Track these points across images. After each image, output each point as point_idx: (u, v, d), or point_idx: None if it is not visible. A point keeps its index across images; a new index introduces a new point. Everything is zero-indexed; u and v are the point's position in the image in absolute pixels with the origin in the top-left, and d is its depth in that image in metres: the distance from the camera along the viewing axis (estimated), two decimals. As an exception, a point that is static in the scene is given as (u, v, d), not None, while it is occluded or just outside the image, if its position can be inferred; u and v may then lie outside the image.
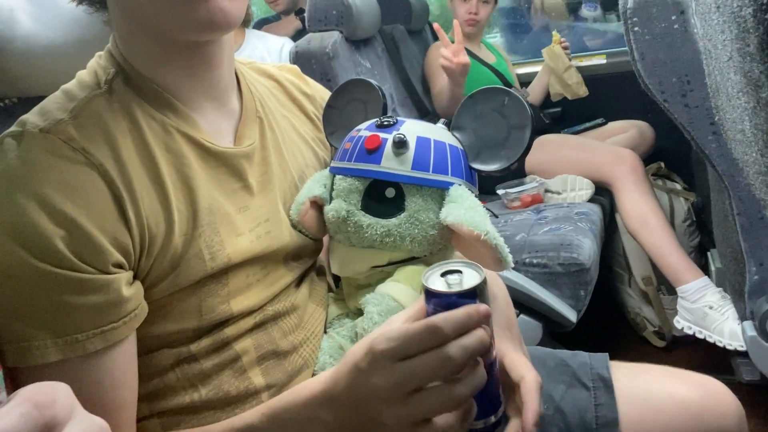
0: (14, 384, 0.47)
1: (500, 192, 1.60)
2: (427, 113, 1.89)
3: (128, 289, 0.50)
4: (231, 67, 0.63)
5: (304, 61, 1.51)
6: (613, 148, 1.65)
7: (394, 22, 2.04)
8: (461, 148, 0.61)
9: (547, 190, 1.58)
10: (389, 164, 0.58)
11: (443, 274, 0.46)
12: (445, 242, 0.59)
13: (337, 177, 0.61)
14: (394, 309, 0.51)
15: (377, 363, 0.43)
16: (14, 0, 0.68)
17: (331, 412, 0.47)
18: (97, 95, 0.54)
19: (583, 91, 2.03)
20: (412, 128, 0.61)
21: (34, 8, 0.69)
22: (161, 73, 0.57)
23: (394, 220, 0.58)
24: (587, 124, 2.08)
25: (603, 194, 1.58)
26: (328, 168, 0.65)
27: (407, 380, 0.42)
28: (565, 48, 2.05)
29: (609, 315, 1.73)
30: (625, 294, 1.67)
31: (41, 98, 0.63)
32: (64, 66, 0.69)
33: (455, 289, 0.44)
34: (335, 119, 0.69)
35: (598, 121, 2.07)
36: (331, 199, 0.62)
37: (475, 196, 0.59)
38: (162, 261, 0.53)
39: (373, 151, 0.59)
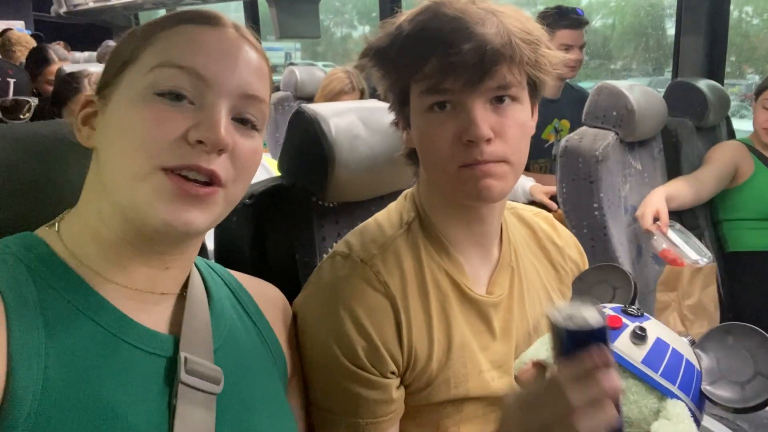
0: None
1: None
2: (695, 226, 1.81)
3: (397, 392, 0.71)
4: (499, 221, 0.79)
5: (570, 156, 1.60)
6: None
7: (684, 116, 1.98)
8: (699, 369, 0.65)
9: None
10: (622, 347, 0.65)
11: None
12: None
13: None
14: None
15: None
16: (356, 128, 0.94)
17: None
18: (399, 235, 0.75)
19: None
20: (655, 328, 0.67)
21: (368, 133, 0.94)
22: (444, 222, 0.76)
23: None
24: None
25: None
26: None
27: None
28: None
29: None
30: None
31: (356, 203, 0.87)
32: (377, 178, 0.94)
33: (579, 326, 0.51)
34: (582, 293, 0.79)
35: None
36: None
37: (698, 421, 0.63)
38: (419, 379, 0.72)
39: (611, 330, 0.66)
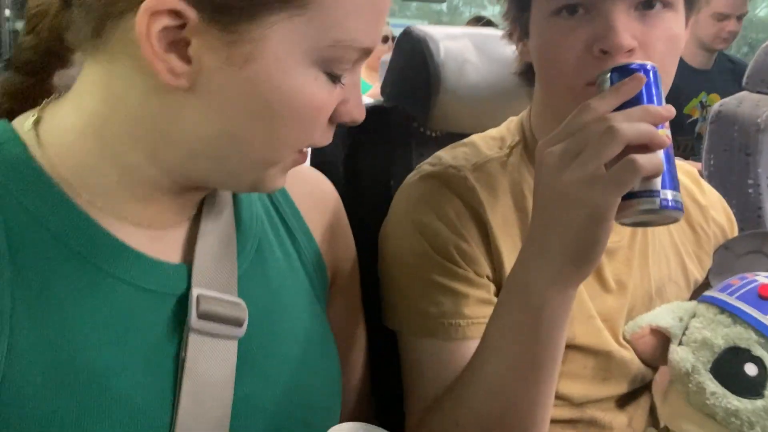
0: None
1: None
2: None
3: (495, 297, 0.62)
4: None
5: (724, 123, 1.40)
6: None
7: None
8: None
9: None
10: None
11: None
12: None
13: (697, 319, 0.60)
14: None
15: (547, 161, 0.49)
16: (468, 53, 0.86)
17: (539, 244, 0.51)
18: (497, 157, 0.68)
19: None
20: None
21: (480, 60, 0.86)
22: None
23: (746, 403, 0.54)
24: None
25: None
26: (696, 299, 0.64)
27: (571, 144, 0.47)
28: None
29: None
30: None
31: (460, 134, 0.81)
32: (486, 110, 0.86)
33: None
34: (727, 262, 0.68)
35: None
36: (682, 337, 0.61)
37: None
38: None
39: (766, 300, 0.57)
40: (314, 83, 0.41)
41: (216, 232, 0.47)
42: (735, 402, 0.54)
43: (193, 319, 0.43)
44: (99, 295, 0.41)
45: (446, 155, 0.69)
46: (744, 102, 1.40)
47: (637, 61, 0.51)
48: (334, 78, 0.42)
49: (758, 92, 1.44)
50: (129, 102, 0.41)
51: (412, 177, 0.69)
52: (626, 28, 0.55)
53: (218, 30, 0.38)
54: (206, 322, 0.43)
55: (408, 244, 0.64)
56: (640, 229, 0.68)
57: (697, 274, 0.72)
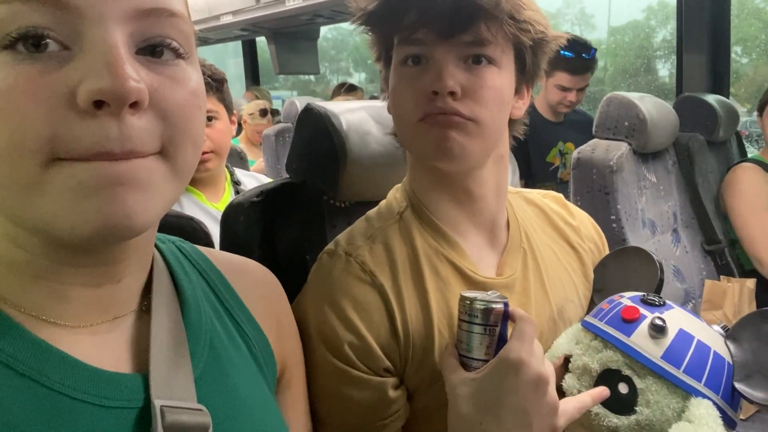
0: None
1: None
2: (714, 242, 1.76)
3: (394, 392, 0.65)
4: (498, 200, 0.74)
5: (584, 168, 1.57)
6: None
7: (694, 131, 1.97)
8: (730, 362, 0.60)
9: None
10: (639, 342, 0.60)
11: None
12: None
13: (578, 346, 0.66)
14: None
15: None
16: (367, 125, 0.91)
17: None
18: (389, 225, 0.71)
19: None
20: (678, 318, 0.62)
21: (378, 130, 0.91)
22: (434, 202, 0.71)
23: (623, 419, 0.60)
24: None
25: None
26: (581, 321, 0.70)
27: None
28: None
29: None
30: None
31: (368, 203, 0.84)
32: (388, 176, 0.90)
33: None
34: (605, 279, 0.74)
35: None
36: (569, 365, 0.66)
37: (732, 421, 0.57)
38: (422, 372, 0.66)
39: (627, 322, 0.62)
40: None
41: (164, 335, 0.45)
42: (614, 420, 0.59)
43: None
44: (59, 419, 0.38)
45: (343, 240, 0.71)
46: (597, 148, 1.60)
47: (497, 297, 0.60)
48: (28, 46, 0.34)
49: (606, 138, 1.65)
50: None
51: (314, 272, 0.70)
52: (452, 75, 0.63)
53: None
54: None
55: (308, 348, 0.65)
56: (531, 259, 0.74)
57: (586, 290, 0.79)
